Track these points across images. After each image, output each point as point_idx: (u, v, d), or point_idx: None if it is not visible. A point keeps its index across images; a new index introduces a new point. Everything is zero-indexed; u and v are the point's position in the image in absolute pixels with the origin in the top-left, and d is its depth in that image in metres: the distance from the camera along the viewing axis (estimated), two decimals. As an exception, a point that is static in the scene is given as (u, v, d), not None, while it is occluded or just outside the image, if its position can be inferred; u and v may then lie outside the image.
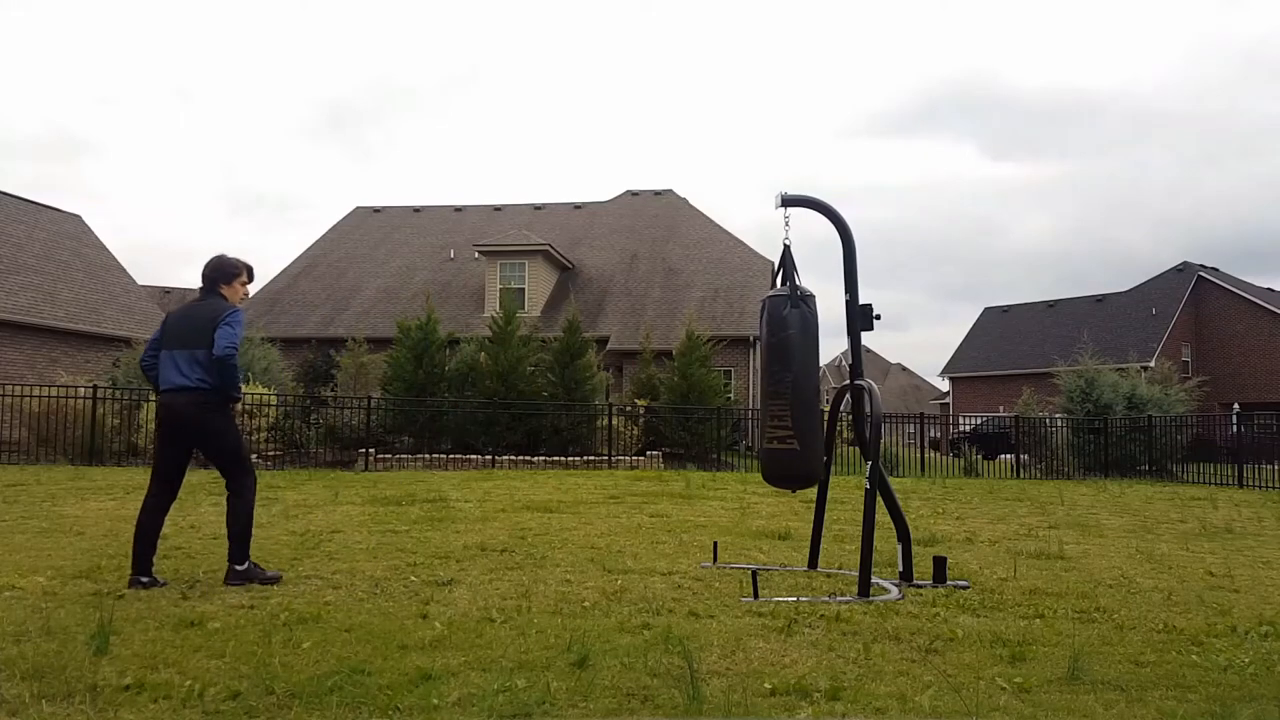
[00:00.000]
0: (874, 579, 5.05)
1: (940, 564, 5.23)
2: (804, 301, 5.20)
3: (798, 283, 5.27)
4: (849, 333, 5.40)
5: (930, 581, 5.18)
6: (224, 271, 4.90)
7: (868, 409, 5.28)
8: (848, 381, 5.49)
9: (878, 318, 5.38)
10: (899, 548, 5.24)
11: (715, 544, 6.05)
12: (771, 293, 5.33)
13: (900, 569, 5.22)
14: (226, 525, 4.82)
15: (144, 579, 4.62)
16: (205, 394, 4.70)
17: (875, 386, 5.28)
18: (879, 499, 5.13)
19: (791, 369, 5.14)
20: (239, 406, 13.72)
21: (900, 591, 4.94)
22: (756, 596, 4.68)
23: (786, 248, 5.33)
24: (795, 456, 5.11)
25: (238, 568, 4.74)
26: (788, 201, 5.34)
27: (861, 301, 5.37)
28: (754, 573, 4.91)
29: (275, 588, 4.71)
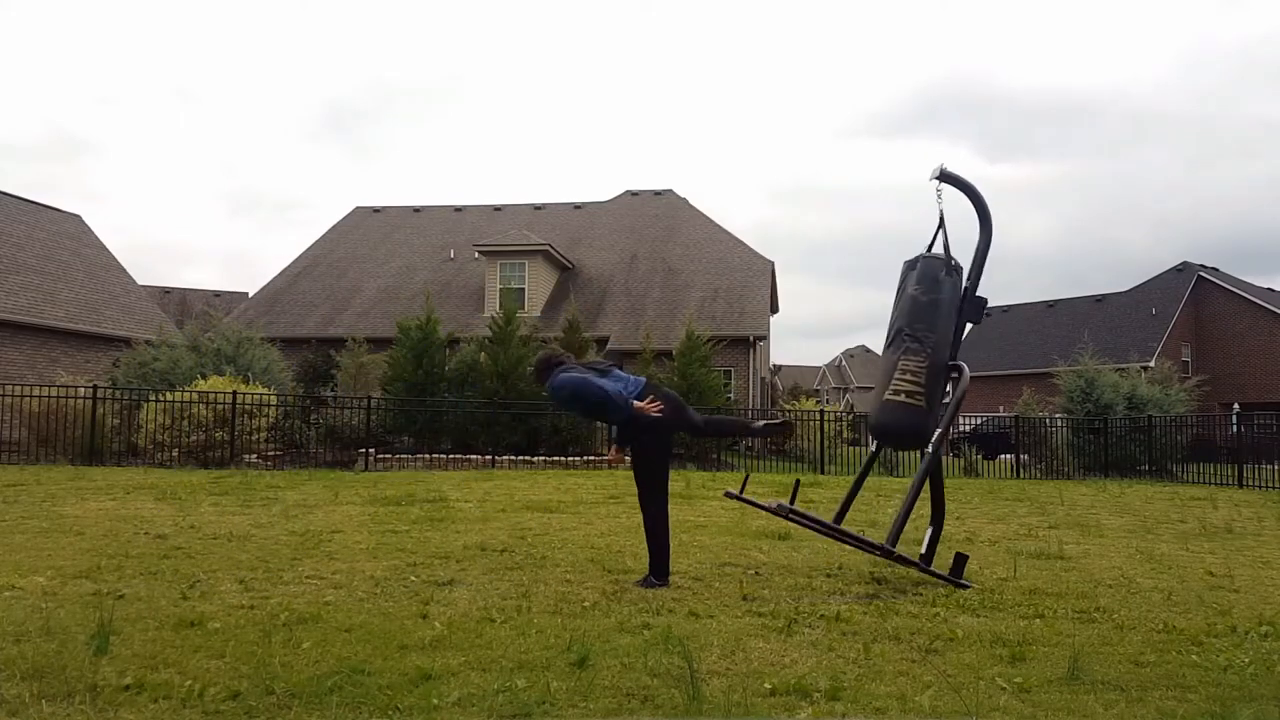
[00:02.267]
0: (876, 580, 5.05)
1: (960, 561, 5.27)
2: (956, 272, 5.35)
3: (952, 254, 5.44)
4: (958, 316, 5.50)
5: (945, 572, 5.23)
6: (560, 360, 5.39)
7: (956, 388, 5.40)
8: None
9: (988, 315, 5.49)
10: (929, 530, 5.37)
11: (746, 476, 6.01)
12: (926, 254, 5.45)
13: (923, 550, 5.29)
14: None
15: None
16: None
17: (967, 370, 5.39)
18: (928, 481, 5.37)
19: (936, 331, 5.26)
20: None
21: (918, 561, 5.13)
22: (791, 511, 4.85)
23: (941, 214, 5.47)
24: (918, 414, 5.21)
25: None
26: (944, 176, 5.43)
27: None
28: (796, 483, 5.07)
29: (275, 587, 4.71)
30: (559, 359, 5.35)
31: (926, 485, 5.51)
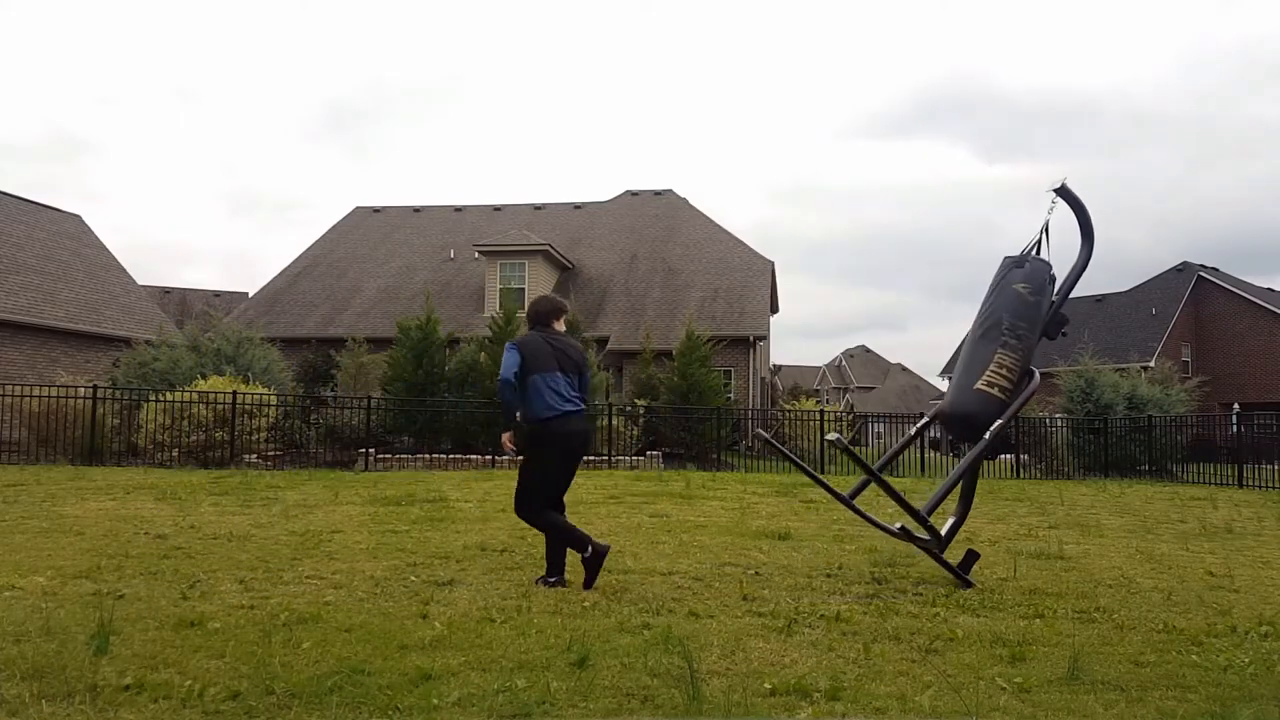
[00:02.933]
0: (876, 580, 5.06)
1: (971, 557, 5.30)
2: (1052, 283, 5.41)
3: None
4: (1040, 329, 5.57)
5: (955, 565, 5.27)
6: (557, 310, 5.41)
7: (1024, 389, 5.44)
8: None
9: (1064, 334, 5.62)
10: (951, 519, 5.45)
11: (777, 427, 6.08)
12: (1035, 256, 5.50)
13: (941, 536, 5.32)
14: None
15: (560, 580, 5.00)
16: (585, 414, 5.19)
17: (1037, 375, 5.42)
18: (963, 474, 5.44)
19: (1035, 333, 5.32)
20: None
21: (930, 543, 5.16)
22: (846, 448, 4.91)
23: (1046, 224, 5.53)
24: (999, 408, 5.23)
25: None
26: (1062, 191, 5.44)
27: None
28: (855, 420, 5.14)
29: (275, 587, 4.71)
30: (544, 317, 5.25)
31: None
